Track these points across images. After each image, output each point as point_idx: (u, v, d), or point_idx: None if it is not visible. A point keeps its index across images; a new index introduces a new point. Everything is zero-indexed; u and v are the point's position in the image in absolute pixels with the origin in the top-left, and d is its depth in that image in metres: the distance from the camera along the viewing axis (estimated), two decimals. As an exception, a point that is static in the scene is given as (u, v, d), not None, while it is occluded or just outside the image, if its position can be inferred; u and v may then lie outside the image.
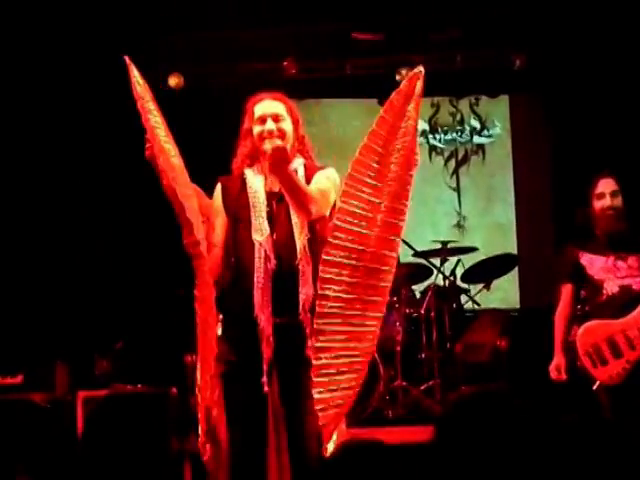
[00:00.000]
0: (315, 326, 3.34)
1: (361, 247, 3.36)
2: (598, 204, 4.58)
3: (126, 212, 7.75)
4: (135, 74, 3.41)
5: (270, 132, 3.55)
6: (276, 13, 7.43)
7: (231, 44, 7.82)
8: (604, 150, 7.86)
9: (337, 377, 3.36)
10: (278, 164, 3.37)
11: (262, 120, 3.59)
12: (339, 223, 3.37)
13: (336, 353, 3.36)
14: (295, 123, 3.64)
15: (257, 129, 3.59)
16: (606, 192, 4.58)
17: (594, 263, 4.57)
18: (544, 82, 8.36)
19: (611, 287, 4.51)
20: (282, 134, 3.57)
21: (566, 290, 4.75)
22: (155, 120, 3.42)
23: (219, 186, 3.65)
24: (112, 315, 7.32)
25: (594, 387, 4.45)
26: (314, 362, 3.34)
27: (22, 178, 7.35)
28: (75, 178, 7.56)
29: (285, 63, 7.93)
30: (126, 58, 3.42)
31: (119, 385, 5.86)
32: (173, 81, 7.90)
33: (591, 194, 4.62)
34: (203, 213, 3.61)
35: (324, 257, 3.34)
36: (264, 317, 3.42)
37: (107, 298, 7.47)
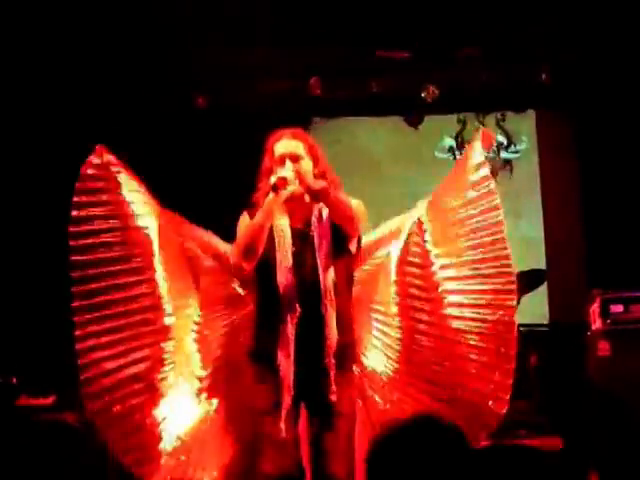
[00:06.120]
0: None
1: None
2: None
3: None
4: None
5: (283, 180, 3.42)
6: (301, 32, 7.45)
7: (256, 64, 7.85)
8: (632, 165, 7.82)
9: None
10: (321, 195, 3.40)
11: (281, 160, 3.52)
12: None
13: None
14: (315, 161, 3.58)
15: (276, 170, 3.50)
16: None
17: None
18: (570, 97, 8.33)
19: None
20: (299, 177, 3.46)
21: None
22: None
23: (246, 217, 3.56)
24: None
25: None
26: None
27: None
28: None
29: (310, 82, 7.95)
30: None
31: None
32: (200, 101, 7.94)
33: None
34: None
35: None
36: (286, 364, 3.32)
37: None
